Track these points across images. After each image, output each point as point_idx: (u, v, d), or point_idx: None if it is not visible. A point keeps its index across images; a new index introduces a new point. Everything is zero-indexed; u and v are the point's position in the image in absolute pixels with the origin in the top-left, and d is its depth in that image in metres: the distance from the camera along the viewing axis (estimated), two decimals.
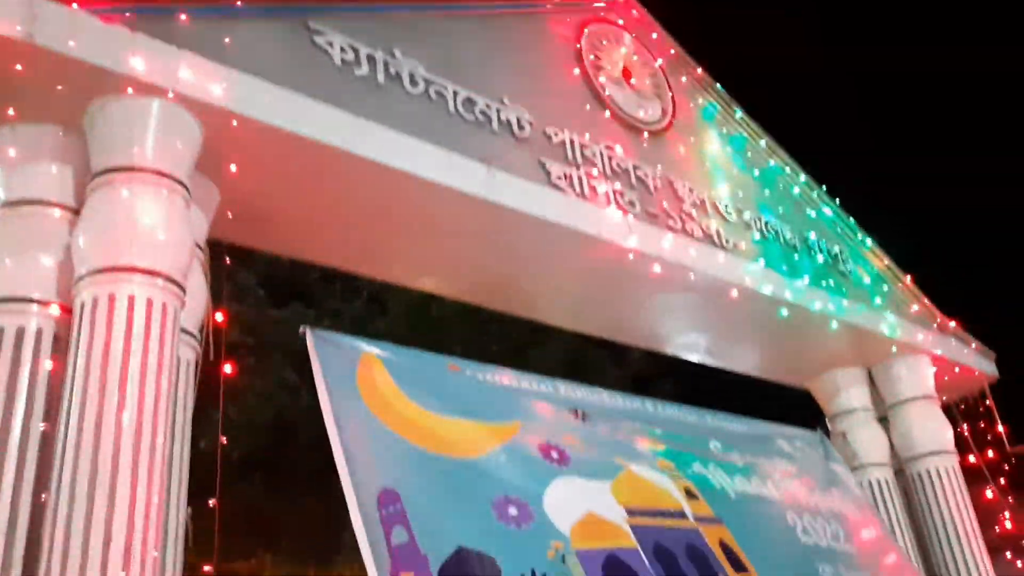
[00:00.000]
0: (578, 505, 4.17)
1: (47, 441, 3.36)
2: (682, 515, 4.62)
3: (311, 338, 4.17)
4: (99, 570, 3.01)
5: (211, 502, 4.01)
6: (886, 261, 7.33)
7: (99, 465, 3.16)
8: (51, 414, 3.42)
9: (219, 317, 4.37)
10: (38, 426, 3.40)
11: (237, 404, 9.96)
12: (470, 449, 4.16)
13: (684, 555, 4.33)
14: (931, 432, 7.03)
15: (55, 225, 3.78)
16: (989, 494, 7.27)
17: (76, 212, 3.76)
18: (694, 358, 7.10)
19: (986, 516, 7.12)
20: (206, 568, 4.06)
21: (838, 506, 5.84)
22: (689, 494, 4.82)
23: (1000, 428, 7.29)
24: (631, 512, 4.34)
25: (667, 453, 5.06)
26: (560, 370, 5.46)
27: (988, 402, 7.41)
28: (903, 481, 7.10)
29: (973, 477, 7.15)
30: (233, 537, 10.83)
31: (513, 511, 3.90)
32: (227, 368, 4.31)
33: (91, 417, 3.23)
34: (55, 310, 3.64)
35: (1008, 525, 7.48)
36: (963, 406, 7.50)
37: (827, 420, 7.39)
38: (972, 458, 7.21)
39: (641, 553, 4.13)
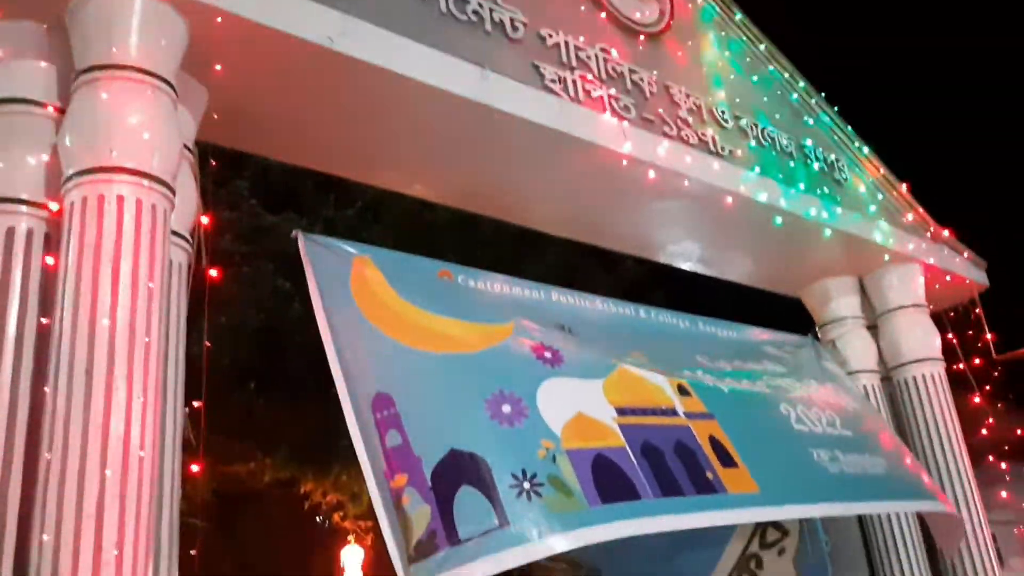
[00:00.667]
0: (569, 405, 4.20)
1: (44, 338, 3.38)
2: (673, 412, 4.66)
3: (303, 242, 4.16)
4: (98, 465, 3.07)
5: (196, 404, 4.05)
6: (882, 170, 7.28)
7: (95, 365, 3.18)
8: (48, 312, 3.43)
9: (208, 220, 4.33)
10: (34, 323, 3.43)
11: (230, 312, 10.01)
12: (465, 345, 4.17)
13: (672, 452, 4.38)
14: (919, 340, 7.10)
15: (42, 124, 3.73)
16: (977, 400, 7.39)
17: (63, 111, 3.70)
18: (687, 266, 7.11)
19: (970, 422, 7.25)
20: (194, 468, 4.14)
21: (833, 398, 5.90)
22: (682, 391, 4.85)
23: (988, 336, 7.37)
24: (621, 411, 4.38)
25: (658, 361, 5.08)
26: (552, 279, 5.46)
27: (977, 310, 7.47)
28: (890, 388, 7.21)
29: (959, 384, 7.26)
30: (232, 442, 11.06)
31: (507, 408, 3.93)
32: (215, 272, 4.29)
33: (85, 316, 3.24)
34: (45, 211, 3.62)
35: (985, 432, 7.62)
36: (952, 314, 7.56)
37: (817, 329, 7.45)
38: (959, 365, 7.30)
39: (629, 452, 4.19)
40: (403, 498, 3.54)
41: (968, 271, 7.56)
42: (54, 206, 3.61)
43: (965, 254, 7.55)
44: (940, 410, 6.93)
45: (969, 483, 6.75)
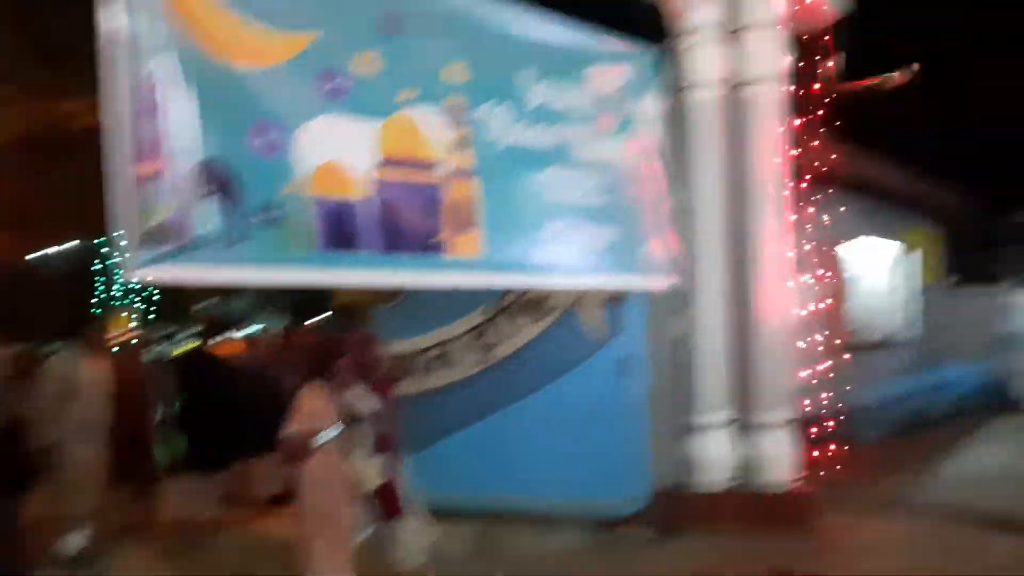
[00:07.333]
0: (329, 148, 4.25)
1: None
2: (435, 167, 4.73)
3: None
4: None
5: None
6: None
7: None
8: None
9: None
10: None
11: None
12: (249, 56, 4.01)
13: (412, 209, 4.57)
14: (768, 58, 7.22)
15: None
16: (797, 124, 7.73)
17: None
18: None
19: (797, 145, 7.63)
20: None
21: (615, 154, 5.93)
22: (461, 143, 4.86)
23: (831, 64, 7.58)
24: (384, 161, 4.45)
25: (468, 86, 4.93)
26: None
27: (832, 36, 7.60)
28: (730, 104, 7.33)
29: (796, 108, 7.57)
30: None
31: (268, 138, 4.01)
32: None
33: None
34: None
35: (808, 156, 8.06)
36: (806, 38, 7.66)
37: (671, 38, 7.35)
38: (800, 88, 7.55)
39: (371, 204, 4.38)
40: (150, 185, 3.65)
41: None
42: None
43: None
44: (773, 131, 7.23)
45: (781, 202, 7.27)
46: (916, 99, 10.74)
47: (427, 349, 7.45)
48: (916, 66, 8.63)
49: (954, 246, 14.99)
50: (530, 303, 7.08)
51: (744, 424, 7.22)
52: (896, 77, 8.67)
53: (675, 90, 7.17)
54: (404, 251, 4.52)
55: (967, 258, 15.45)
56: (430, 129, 4.72)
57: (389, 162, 4.47)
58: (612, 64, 6.08)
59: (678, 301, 7.09)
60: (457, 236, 4.76)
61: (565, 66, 5.68)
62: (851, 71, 7.79)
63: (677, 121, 7.08)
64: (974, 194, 15.90)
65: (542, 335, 7.23)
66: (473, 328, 7.28)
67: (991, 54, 19.51)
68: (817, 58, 7.66)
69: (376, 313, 7.62)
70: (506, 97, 5.18)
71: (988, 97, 19.17)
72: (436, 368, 7.43)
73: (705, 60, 7.26)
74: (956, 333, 13.60)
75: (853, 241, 11.18)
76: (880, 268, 12.83)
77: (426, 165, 4.69)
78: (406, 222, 4.53)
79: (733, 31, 7.27)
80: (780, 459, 7.14)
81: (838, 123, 7.81)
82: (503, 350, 7.26)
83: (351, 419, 4.81)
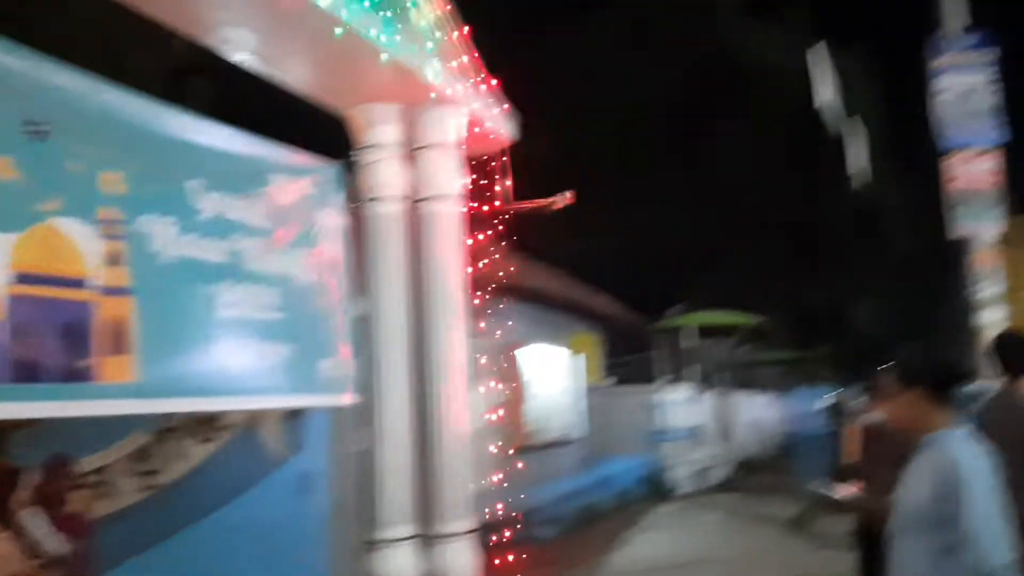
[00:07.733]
0: None
1: None
2: (84, 285, 4.33)
3: None
4: None
5: None
6: (448, 7, 7.46)
7: None
8: None
9: None
10: None
11: None
12: None
13: (55, 333, 4.12)
14: (445, 178, 7.58)
15: None
16: (474, 241, 8.17)
17: None
18: (241, 58, 6.63)
19: (475, 259, 8.03)
20: None
21: (292, 268, 5.89)
22: (113, 259, 4.51)
23: (498, 188, 8.15)
24: (22, 277, 3.99)
25: (125, 196, 4.62)
26: (81, 49, 4.66)
27: (502, 160, 8.19)
28: (411, 219, 7.59)
29: (474, 224, 7.99)
30: None
31: None
32: None
33: None
34: None
35: (483, 269, 8.51)
36: (476, 161, 8.18)
37: (356, 152, 7.51)
38: (475, 207, 8.01)
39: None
40: None
41: (502, 123, 8.18)
42: None
43: (504, 107, 8.16)
44: (451, 245, 7.56)
45: (460, 313, 7.55)
46: (577, 217, 11.78)
47: (80, 477, 6.67)
48: (569, 194, 9.52)
49: (613, 349, 16.45)
50: (200, 421, 6.64)
51: (426, 537, 7.20)
52: (556, 201, 9.47)
53: (359, 203, 7.27)
54: (42, 379, 3.98)
55: (624, 360, 17.00)
56: (78, 242, 4.29)
57: (25, 278, 3.97)
58: (293, 176, 6.05)
59: (361, 414, 7.01)
60: (109, 359, 4.32)
61: (241, 177, 5.54)
62: (521, 192, 8.38)
63: (361, 234, 7.16)
64: (628, 301, 17.64)
65: (215, 455, 6.79)
66: (133, 452, 6.65)
67: (639, 180, 22.10)
68: (487, 181, 8.17)
69: (14, 436, 6.72)
70: (171, 208, 4.90)
71: (638, 215, 21.57)
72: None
73: (387, 175, 7.44)
74: (618, 430, 14.82)
75: (526, 347, 11.85)
76: (551, 372, 13.69)
77: (72, 282, 4.23)
78: (45, 346, 4.02)
79: (413, 150, 7.55)
80: (462, 570, 7.18)
81: (510, 239, 8.32)
82: (170, 474, 6.69)
83: (37, 563, 4.10)
